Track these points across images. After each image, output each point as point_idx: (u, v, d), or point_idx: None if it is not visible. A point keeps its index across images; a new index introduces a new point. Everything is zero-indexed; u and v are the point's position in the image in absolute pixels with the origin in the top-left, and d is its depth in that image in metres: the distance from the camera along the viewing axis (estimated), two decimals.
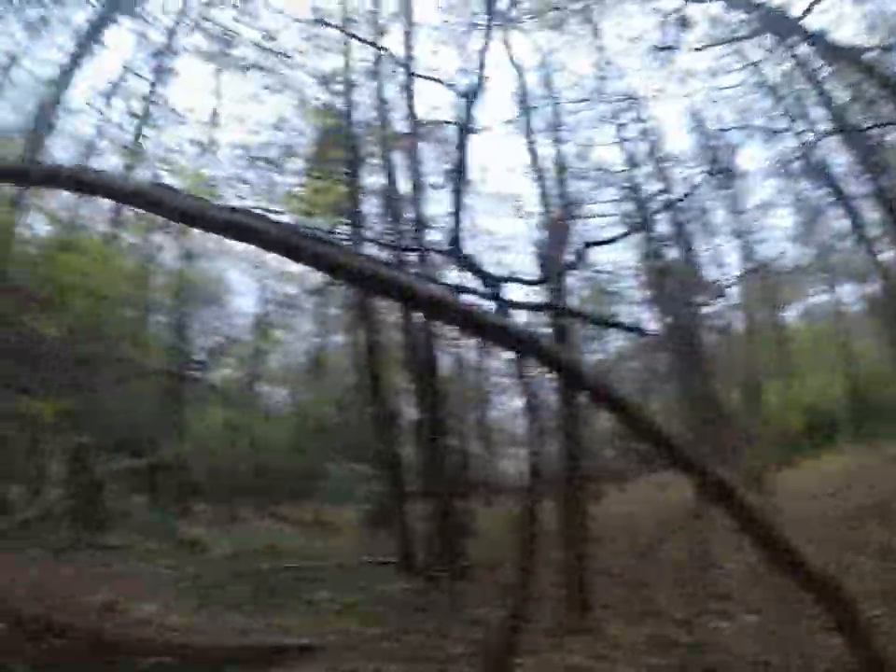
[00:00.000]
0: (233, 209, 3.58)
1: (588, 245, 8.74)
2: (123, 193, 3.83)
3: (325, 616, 8.65)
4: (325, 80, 14.02)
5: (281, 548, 13.57)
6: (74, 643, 5.98)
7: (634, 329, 11.85)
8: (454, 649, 6.95)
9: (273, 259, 28.80)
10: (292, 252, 3.59)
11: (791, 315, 29.91)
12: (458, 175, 6.66)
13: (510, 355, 24.25)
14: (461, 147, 6.35)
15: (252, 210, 4.18)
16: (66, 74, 13.47)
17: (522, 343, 3.65)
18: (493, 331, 3.63)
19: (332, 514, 20.55)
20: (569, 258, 9.14)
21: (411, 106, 13.12)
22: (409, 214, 12.96)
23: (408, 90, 13.09)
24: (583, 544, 8.19)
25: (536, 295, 9.17)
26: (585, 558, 8.19)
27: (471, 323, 3.57)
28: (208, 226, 3.72)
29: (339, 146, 13.88)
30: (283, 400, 38.65)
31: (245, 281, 30.43)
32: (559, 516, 13.53)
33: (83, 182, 3.89)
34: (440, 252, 10.64)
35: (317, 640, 7.17)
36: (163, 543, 13.36)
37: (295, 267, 28.84)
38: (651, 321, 20.98)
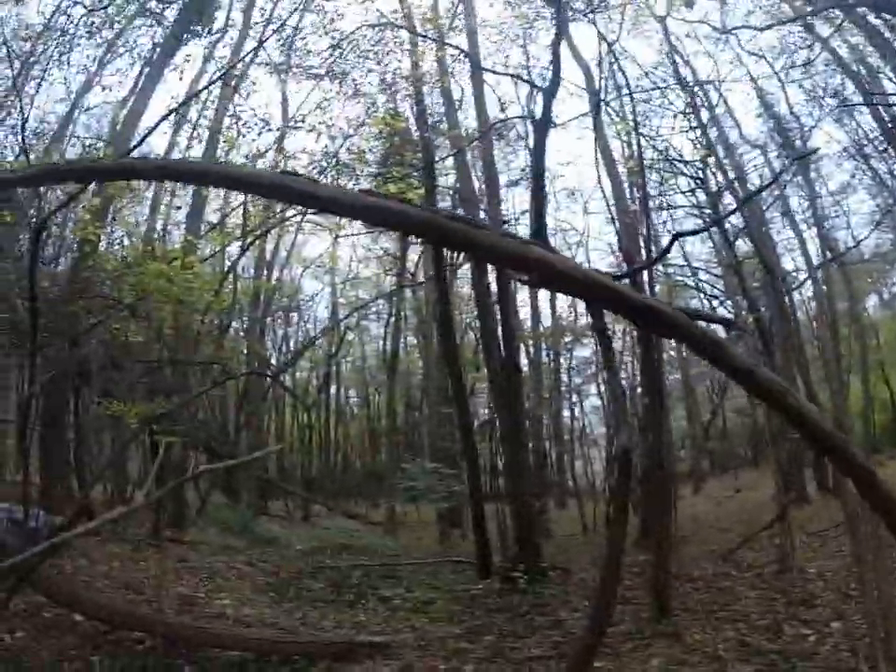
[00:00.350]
0: (369, 192, 3.52)
1: (676, 236, 8.35)
2: (253, 184, 3.80)
3: (399, 614, 8.56)
4: (394, 83, 14.01)
5: (355, 545, 13.63)
6: (152, 636, 6.02)
7: (723, 321, 11.27)
8: (531, 650, 6.73)
9: (344, 264, 29.35)
10: (433, 233, 3.49)
11: (870, 306, 28.35)
12: (538, 171, 6.43)
13: (589, 351, 23.72)
14: (540, 142, 6.11)
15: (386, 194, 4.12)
16: (142, 94, 13.86)
17: (667, 323, 3.44)
18: (642, 313, 3.46)
19: (405, 513, 20.65)
20: (652, 250, 8.82)
21: (481, 105, 12.98)
22: (484, 213, 12.78)
23: (478, 88, 12.94)
24: (666, 546, 7.83)
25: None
26: (666, 560, 7.85)
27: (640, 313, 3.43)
28: (345, 211, 3.68)
29: (411, 148, 13.88)
30: (356, 401, 39.26)
31: (319, 287, 31.17)
32: (640, 517, 13.22)
33: (222, 176, 3.95)
34: (528, 243, 10.32)
35: (392, 638, 7.07)
36: (240, 539, 13.63)
37: (367, 271, 29.41)
38: (727, 314, 20.18)
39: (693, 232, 11.07)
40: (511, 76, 12.04)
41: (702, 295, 24.46)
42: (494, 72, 11.86)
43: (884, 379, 22.30)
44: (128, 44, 15.01)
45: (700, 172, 18.83)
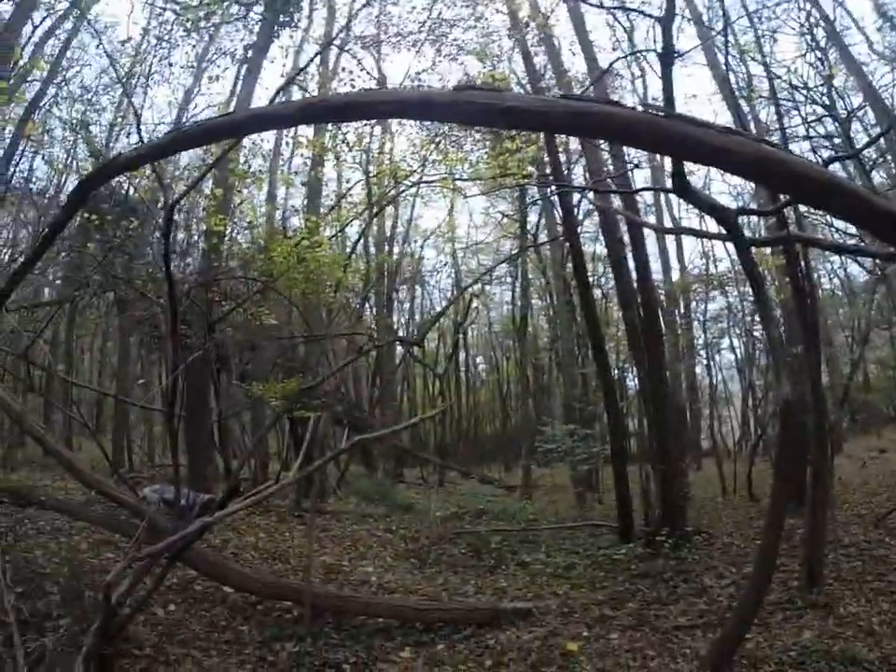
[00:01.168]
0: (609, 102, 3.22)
1: (828, 161, 7.58)
2: (431, 105, 3.47)
3: (541, 579, 8.52)
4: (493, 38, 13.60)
5: (492, 510, 13.68)
6: (300, 606, 6.24)
7: (883, 255, 10.18)
8: (676, 619, 6.48)
9: (463, 232, 29.15)
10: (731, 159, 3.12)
11: None
12: (669, 105, 5.95)
13: (720, 304, 22.62)
14: (667, 74, 5.65)
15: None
16: (243, 95, 14.11)
17: None
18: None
19: (540, 476, 20.57)
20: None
21: (587, 45, 12.29)
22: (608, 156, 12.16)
23: (581, 31, 12.23)
24: (821, 512, 7.26)
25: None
26: (822, 527, 7.28)
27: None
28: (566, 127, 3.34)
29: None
30: (485, 367, 39.51)
31: (440, 257, 31.39)
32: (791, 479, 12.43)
33: (390, 103, 3.64)
34: (665, 191, 9.84)
35: (535, 604, 7.02)
36: (379, 507, 14.03)
37: (486, 237, 29.18)
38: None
39: (846, 157, 9.90)
40: (621, 8, 11.22)
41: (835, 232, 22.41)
42: (600, 6, 10.92)
43: None
44: (221, 48, 15.42)
45: (825, 98, 17.09)
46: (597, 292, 25.38)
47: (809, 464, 7.77)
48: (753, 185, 16.23)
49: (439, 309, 28.82)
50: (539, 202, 20.68)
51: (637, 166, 10.90)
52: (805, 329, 7.46)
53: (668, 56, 5.52)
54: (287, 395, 10.56)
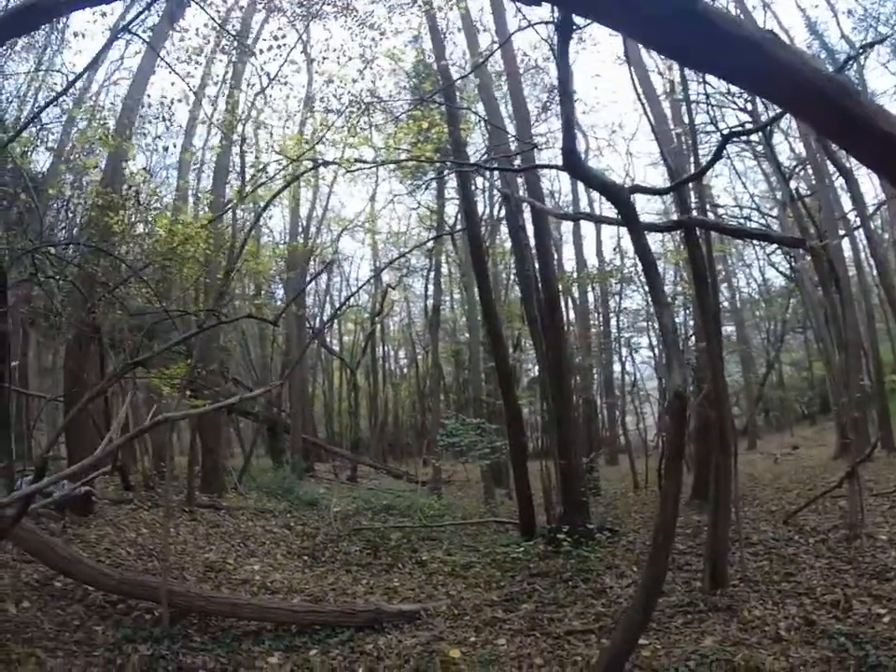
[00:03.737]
0: None
1: (728, 136, 7.40)
2: None
3: (437, 578, 8.11)
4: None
5: (398, 506, 13.22)
6: (163, 606, 5.66)
7: (795, 241, 10.07)
8: (571, 622, 6.12)
9: (384, 223, 28.55)
10: None
11: None
12: (563, 78, 5.58)
13: (639, 299, 22.80)
14: (563, 47, 5.27)
15: None
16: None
17: None
18: None
19: (452, 471, 20.25)
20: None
21: (501, 22, 11.92)
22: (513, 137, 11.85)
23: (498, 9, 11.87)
24: (724, 508, 7.02)
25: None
26: (724, 525, 7.04)
27: None
28: None
29: (433, 80, 13.14)
30: (401, 359, 39.06)
31: (361, 249, 30.72)
32: (694, 474, 12.41)
33: None
34: (555, 167, 9.62)
35: (423, 606, 6.58)
36: (282, 502, 13.37)
37: (410, 228, 28.63)
38: None
39: (747, 132, 9.93)
40: None
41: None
42: None
43: None
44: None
45: (749, 104, 17.62)
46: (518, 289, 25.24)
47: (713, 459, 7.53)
48: None
49: (355, 299, 28.14)
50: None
51: (535, 146, 10.56)
52: (706, 318, 7.22)
53: (566, 28, 5.12)
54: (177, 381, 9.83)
